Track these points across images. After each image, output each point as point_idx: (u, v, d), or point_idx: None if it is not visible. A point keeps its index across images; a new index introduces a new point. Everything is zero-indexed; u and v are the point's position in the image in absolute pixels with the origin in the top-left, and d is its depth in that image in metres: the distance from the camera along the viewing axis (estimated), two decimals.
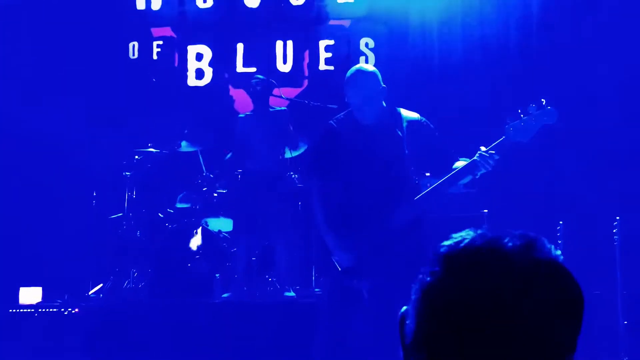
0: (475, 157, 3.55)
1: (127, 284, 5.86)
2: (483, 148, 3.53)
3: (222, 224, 5.96)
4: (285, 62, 7.08)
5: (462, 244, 0.94)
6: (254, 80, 5.95)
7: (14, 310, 5.02)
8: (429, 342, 0.92)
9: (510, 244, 0.92)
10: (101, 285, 5.76)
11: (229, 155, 6.04)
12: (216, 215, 6.00)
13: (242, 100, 7.17)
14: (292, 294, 5.59)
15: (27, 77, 6.83)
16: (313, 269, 5.89)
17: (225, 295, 5.59)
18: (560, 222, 4.72)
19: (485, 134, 3.68)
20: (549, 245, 0.94)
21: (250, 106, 6.13)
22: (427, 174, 4.12)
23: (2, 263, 6.19)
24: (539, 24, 6.33)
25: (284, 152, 5.78)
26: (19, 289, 5.54)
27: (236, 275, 5.71)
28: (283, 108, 5.90)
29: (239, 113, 7.03)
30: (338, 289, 3.85)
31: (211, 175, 6.00)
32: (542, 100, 3.44)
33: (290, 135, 5.79)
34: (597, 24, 6.10)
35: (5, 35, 6.93)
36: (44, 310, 5.11)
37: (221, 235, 5.90)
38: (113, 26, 7.07)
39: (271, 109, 5.93)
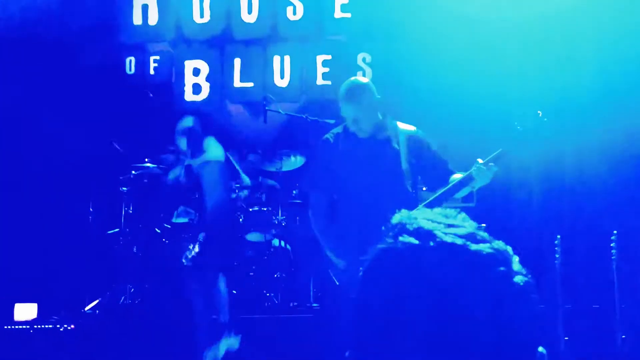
0: (472, 170, 3.54)
1: (123, 300, 5.82)
2: (480, 160, 3.53)
3: None
4: (282, 77, 7.09)
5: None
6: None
7: (9, 327, 4.98)
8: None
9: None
10: (97, 301, 5.72)
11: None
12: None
13: (238, 116, 7.17)
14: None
15: (23, 93, 6.82)
16: (311, 284, 5.87)
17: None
18: (558, 236, 4.70)
19: (482, 147, 3.67)
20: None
21: (248, 122, 6.14)
22: (424, 188, 4.12)
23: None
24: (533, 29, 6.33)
25: None
26: (14, 306, 5.50)
27: (234, 291, 5.68)
28: None
29: (235, 128, 7.05)
30: (337, 302, 3.84)
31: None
32: (539, 112, 3.44)
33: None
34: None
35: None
36: (39, 326, 5.07)
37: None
38: (110, 42, 7.08)
39: None
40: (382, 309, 0.90)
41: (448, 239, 0.93)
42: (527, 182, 5.88)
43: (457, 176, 3.71)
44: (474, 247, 0.92)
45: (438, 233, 0.94)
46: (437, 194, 3.73)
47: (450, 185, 3.67)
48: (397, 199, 3.80)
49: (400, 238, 0.95)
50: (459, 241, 0.93)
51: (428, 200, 3.79)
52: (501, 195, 5.04)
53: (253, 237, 6.03)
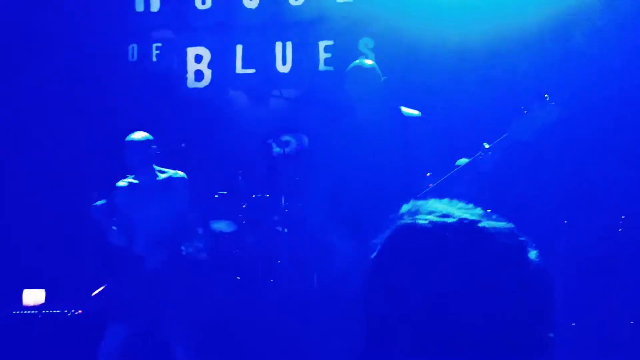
0: (477, 155, 3.55)
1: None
2: (486, 145, 3.53)
3: (223, 227, 5.96)
4: (284, 63, 7.08)
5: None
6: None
7: (17, 312, 5.01)
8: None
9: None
10: (104, 287, 5.73)
11: None
12: (218, 217, 6.00)
13: (240, 102, 7.16)
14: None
15: (25, 82, 6.80)
16: (314, 271, 5.89)
17: None
18: (565, 222, 4.71)
19: (488, 132, 3.67)
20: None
21: (252, 109, 6.17)
22: (429, 174, 4.13)
23: (5, 265, 6.17)
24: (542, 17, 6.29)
25: None
26: (22, 291, 5.52)
27: (238, 277, 5.71)
28: None
29: (238, 114, 7.06)
30: (339, 289, 3.85)
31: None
32: (546, 95, 3.44)
33: None
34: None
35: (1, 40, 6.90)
36: (47, 311, 5.10)
37: (225, 237, 5.90)
38: (112, 28, 7.06)
39: None
40: (403, 283, 0.90)
41: (467, 216, 0.94)
42: (536, 168, 5.85)
43: (462, 161, 3.72)
44: (492, 223, 0.94)
45: (455, 212, 0.95)
46: (441, 180, 3.74)
47: (454, 170, 3.68)
48: (401, 184, 3.82)
49: (418, 217, 0.95)
50: (477, 218, 0.94)
51: (432, 186, 3.80)
52: (506, 181, 5.03)
53: (256, 223, 6.04)
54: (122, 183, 4.97)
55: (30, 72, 6.88)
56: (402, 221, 0.96)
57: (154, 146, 4.97)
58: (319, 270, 5.46)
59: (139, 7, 7.17)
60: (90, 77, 6.86)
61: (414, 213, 0.97)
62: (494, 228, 0.94)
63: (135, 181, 4.92)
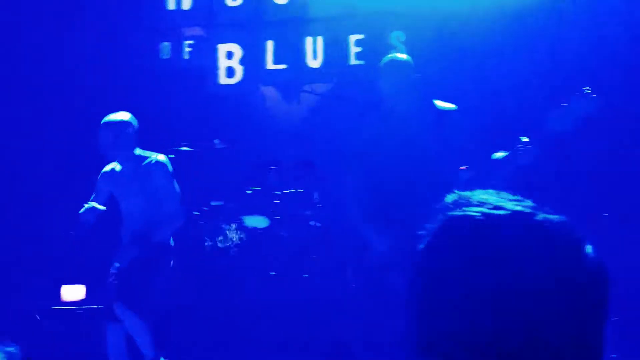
0: (515, 148, 3.50)
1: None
2: (524, 138, 3.49)
3: (257, 222, 5.97)
4: (315, 57, 7.07)
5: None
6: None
7: (57, 308, 5.08)
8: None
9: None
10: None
11: None
12: (251, 212, 6.02)
13: (272, 98, 7.18)
14: None
15: (56, 77, 6.85)
16: (347, 264, 5.87)
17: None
18: (606, 215, 4.62)
19: (525, 125, 3.62)
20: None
21: (283, 104, 6.15)
22: (464, 167, 4.09)
23: (45, 261, 6.23)
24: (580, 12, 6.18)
25: None
26: (60, 287, 5.59)
27: (273, 273, 5.73)
28: None
29: (269, 110, 7.07)
30: (374, 284, 3.83)
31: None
32: (586, 88, 3.38)
33: None
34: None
35: (31, 39, 6.96)
36: (87, 307, 5.15)
37: (257, 232, 5.91)
38: (144, 27, 7.10)
39: None
40: (454, 277, 0.87)
41: (519, 208, 0.91)
42: (576, 162, 5.75)
43: (499, 154, 3.68)
44: (548, 216, 0.91)
45: (506, 204, 0.92)
46: (478, 173, 3.70)
47: (492, 163, 3.64)
48: (436, 179, 3.78)
49: (468, 208, 0.92)
50: (529, 210, 0.91)
51: (469, 180, 3.76)
52: (546, 174, 4.95)
53: (289, 218, 6.05)
54: (106, 169, 4.64)
55: (63, 71, 6.94)
56: (451, 212, 0.93)
57: (130, 129, 4.51)
58: (353, 265, 5.44)
59: (171, 5, 7.21)
60: (123, 76, 6.91)
61: (462, 204, 0.93)
62: (550, 221, 0.91)
63: (118, 167, 4.55)
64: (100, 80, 6.92)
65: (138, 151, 4.51)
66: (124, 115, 4.50)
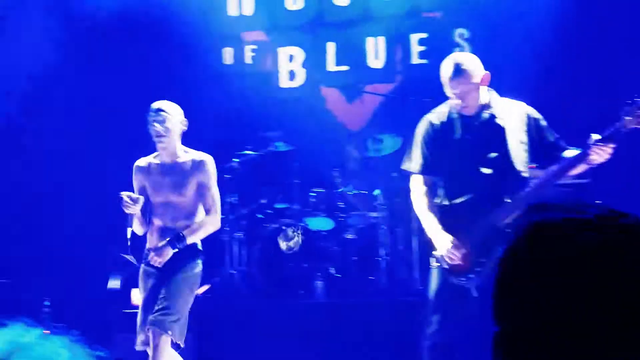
0: (587, 145, 3.38)
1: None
2: (596, 136, 3.36)
3: (322, 224, 5.97)
4: (377, 57, 7.03)
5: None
6: None
7: (128, 311, 5.19)
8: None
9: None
10: (208, 286, 5.86)
11: None
12: (315, 214, 6.02)
13: (334, 100, 7.17)
14: None
15: (119, 83, 6.92)
16: (417, 266, 5.80)
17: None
18: None
19: (597, 122, 3.49)
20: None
21: (345, 105, 6.12)
22: (534, 166, 3.97)
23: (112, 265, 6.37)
24: None
25: None
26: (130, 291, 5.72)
27: (338, 275, 5.72)
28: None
29: (332, 112, 7.07)
30: (444, 287, 3.77)
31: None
32: None
33: None
34: None
35: (94, 50, 7.07)
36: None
37: (321, 235, 5.91)
38: (205, 33, 7.16)
39: None
40: (540, 283, 0.85)
41: (600, 211, 0.88)
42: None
43: (570, 153, 3.56)
44: (630, 219, 0.88)
45: (584, 208, 0.89)
46: (549, 172, 3.59)
47: (563, 162, 3.53)
48: (506, 179, 3.69)
49: (548, 213, 0.89)
50: (612, 213, 0.88)
51: (540, 179, 3.66)
52: (619, 172, 4.77)
53: (354, 220, 6.02)
54: (140, 162, 4.34)
55: (123, 75, 7.00)
56: (531, 217, 0.90)
57: (182, 121, 4.24)
58: (421, 268, 5.38)
59: (232, 10, 7.28)
60: (187, 82, 7.00)
61: (541, 208, 0.91)
62: (633, 225, 0.87)
63: (157, 161, 4.27)
64: (164, 89, 7.01)
65: (182, 147, 4.28)
66: (173, 105, 4.26)
